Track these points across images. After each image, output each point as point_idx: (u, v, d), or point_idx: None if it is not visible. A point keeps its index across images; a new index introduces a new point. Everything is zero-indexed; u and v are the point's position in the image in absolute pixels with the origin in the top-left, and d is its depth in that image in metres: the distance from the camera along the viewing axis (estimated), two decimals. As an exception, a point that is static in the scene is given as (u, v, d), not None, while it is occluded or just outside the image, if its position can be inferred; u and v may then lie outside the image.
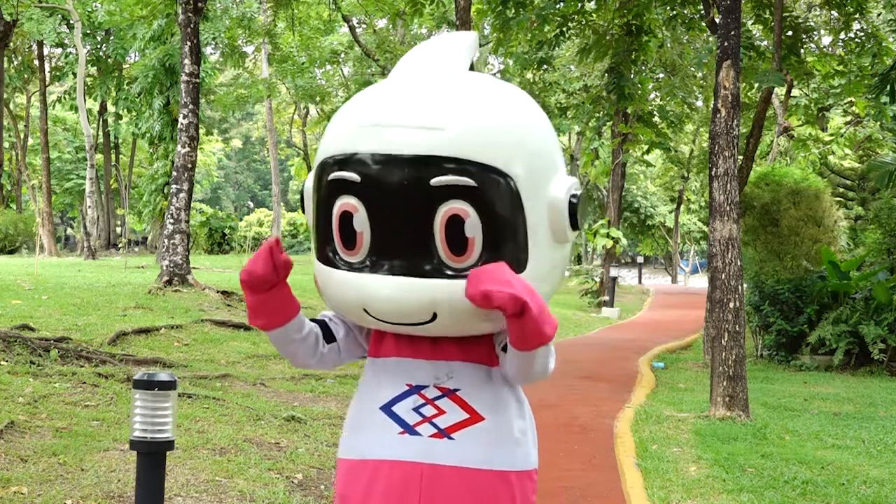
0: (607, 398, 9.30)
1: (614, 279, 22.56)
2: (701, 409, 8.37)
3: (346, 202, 1.93)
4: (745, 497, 5.46)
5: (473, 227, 1.89)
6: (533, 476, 2.13)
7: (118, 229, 40.65)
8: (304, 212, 2.15)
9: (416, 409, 2.03)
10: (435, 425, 2.02)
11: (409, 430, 2.03)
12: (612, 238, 22.15)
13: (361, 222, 1.93)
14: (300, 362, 2.20)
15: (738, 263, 8.19)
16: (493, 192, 1.90)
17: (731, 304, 8.10)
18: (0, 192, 35.57)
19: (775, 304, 12.85)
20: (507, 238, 1.93)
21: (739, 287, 8.19)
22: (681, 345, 15.49)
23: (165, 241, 14.17)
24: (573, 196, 2.02)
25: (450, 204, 1.88)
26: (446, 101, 1.94)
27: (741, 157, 11.48)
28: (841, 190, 20.77)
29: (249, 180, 72.82)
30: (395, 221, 1.91)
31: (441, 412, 2.03)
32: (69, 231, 57.28)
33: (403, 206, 1.89)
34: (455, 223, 1.89)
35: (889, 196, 13.43)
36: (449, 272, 1.91)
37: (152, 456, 3.09)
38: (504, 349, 2.05)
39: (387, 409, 2.05)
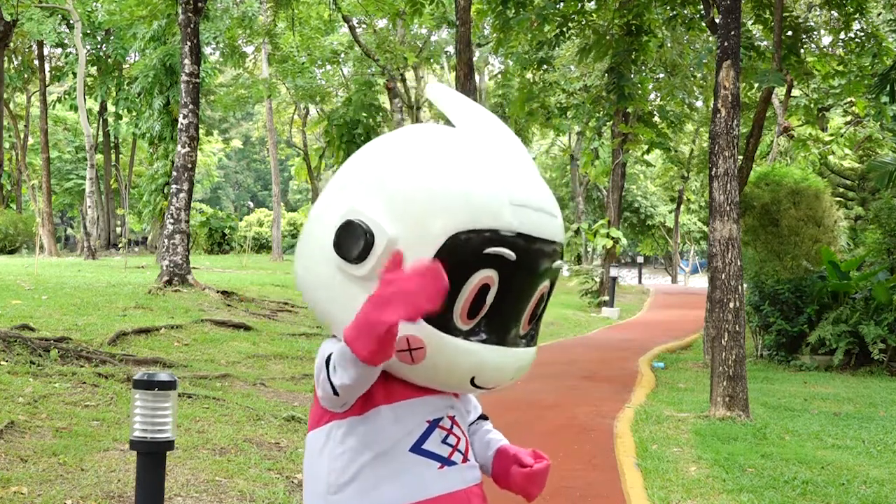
0: (607, 398, 9.30)
1: (614, 279, 22.55)
2: (701, 409, 8.37)
3: (487, 275, 1.95)
4: (745, 497, 5.46)
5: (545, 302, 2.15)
6: None
7: (118, 229, 40.65)
8: (354, 261, 1.94)
9: (444, 441, 2.11)
10: (460, 451, 2.14)
11: (446, 462, 2.09)
12: (612, 238, 22.16)
13: (491, 296, 1.98)
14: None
15: (738, 263, 8.19)
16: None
17: (731, 304, 8.10)
18: (0, 192, 35.58)
19: (775, 304, 12.85)
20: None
21: (739, 287, 8.19)
22: (681, 345, 15.49)
23: (165, 241, 14.17)
24: None
25: (545, 282, 2.10)
26: (546, 187, 2.15)
27: (741, 157, 11.48)
28: (841, 190, 20.77)
29: (249, 180, 72.82)
30: (520, 298, 2.04)
31: (458, 438, 2.15)
32: (69, 231, 57.30)
33: (532, 285, 2.05)
34: (540, 299, 2.11)
35: (889, 196, 13.43)
36: (523, 340, 2.12)
37: (152, 456, 3.09)
38: (475, 421, 2.31)
39: (417, 449, 2.06)
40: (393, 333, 1.79)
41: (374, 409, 2.05)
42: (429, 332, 1.94)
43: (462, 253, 1.92)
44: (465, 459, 2.14)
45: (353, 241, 1.96)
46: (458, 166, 2.01)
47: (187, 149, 14.29)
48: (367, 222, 1.95)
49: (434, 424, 2.10)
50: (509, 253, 1.94)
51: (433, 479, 2.06)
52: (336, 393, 1.96)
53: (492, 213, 1.94)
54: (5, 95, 33.82)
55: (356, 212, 1.98)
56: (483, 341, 2.00)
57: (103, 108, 37.05)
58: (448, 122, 2.23)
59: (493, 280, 1.95)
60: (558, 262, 2.11)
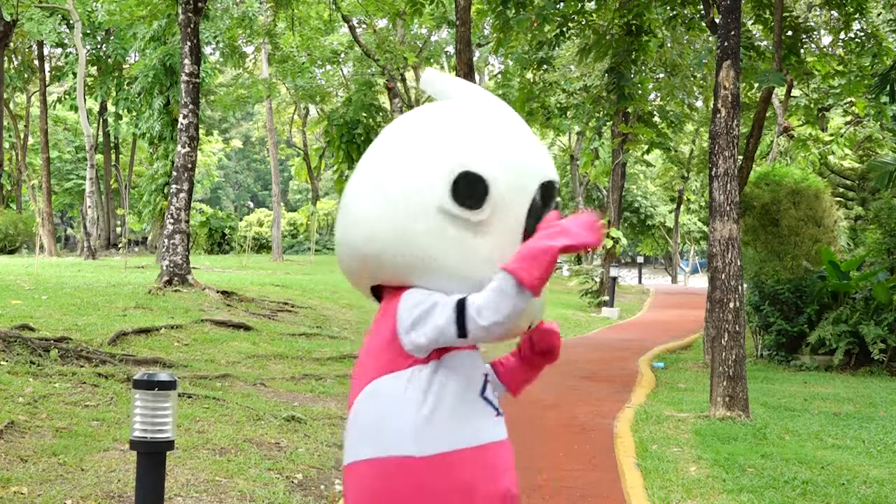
0: (607, 398, 9.30)
1: (614, 279, 22.53)
2: (701, 409, 8.37)
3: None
4: (745, 497, 5.46)
5: None
6: None
7: (118, 229, 40.64)
8: (473, 206, 2.23)
9: (494, 393, 2.37)
10: (499, 403, 2.39)
11: (498, 411, 2.34)
12: (612, 238, 22.14)
13: None
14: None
15: (738, 263, 8.19)
16: None
17: (731, 304, 8.10)
18: (0, 191, 35.55)
19: (775, 304, 12.85)
20: None
21: (739, 287, 8.19)
22: (681, 345, 15.47)
23: (165, 241, 14.17)
24: None
25: None
26: None
27: (741, 157, 11.48)
28: (841, 190, 20.78)
29: (249, 180, 72.79)
30: None
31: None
32: (69, 231, 57.29)
33: None
34: None
35: (889, 196, 13.42)
36: None
37: (152, 456, 3.10)
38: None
39: (482, 395, 2.30)
40: (556, 259, 2.11)
41: (450, 354, 2.24)
42: None
43: (545, 197, 2.36)
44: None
45: (472, 189, 2.23)
46: (525, 129, 2.38)
47: (187, 149, 14.28)
48: (481, 173, 2.23)
49: (486, 378, 2.34)
50: (558, 200, 2.41)
51: (492, 426, 2.28)
52: (464, 335, 2.16)
53: (544, 165, 2.38)
54: (5, 95, 33.82)
55: (470, 165, 2.24)
56: None
57: (103, 108, 37.02)
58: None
59: None
60: None
